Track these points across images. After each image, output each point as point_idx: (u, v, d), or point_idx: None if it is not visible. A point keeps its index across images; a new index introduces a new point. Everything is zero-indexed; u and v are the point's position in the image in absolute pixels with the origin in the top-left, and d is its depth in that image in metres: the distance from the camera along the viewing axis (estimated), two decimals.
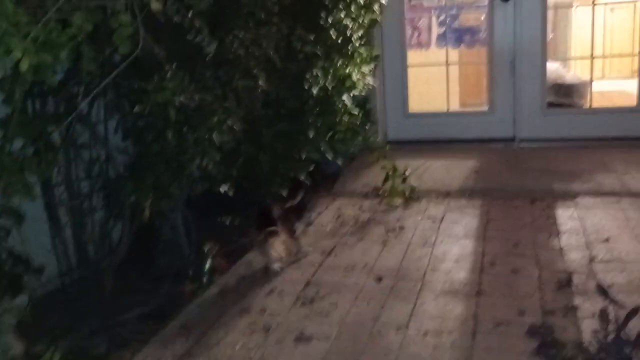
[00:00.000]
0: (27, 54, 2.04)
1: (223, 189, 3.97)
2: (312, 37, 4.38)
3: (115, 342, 3.23)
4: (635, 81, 6.79)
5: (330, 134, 5.41)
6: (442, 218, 4.87)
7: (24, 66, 2.06)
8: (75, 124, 3.28)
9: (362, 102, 6.20)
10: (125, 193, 3.24)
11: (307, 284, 3.79)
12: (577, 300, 3.32)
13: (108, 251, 3.60)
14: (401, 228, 4.69)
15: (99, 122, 3.57)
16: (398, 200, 5.35)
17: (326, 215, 5.18)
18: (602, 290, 2.67)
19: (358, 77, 5.32)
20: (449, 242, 4.36)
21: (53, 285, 3.47)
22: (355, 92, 5.43)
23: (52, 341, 2.68)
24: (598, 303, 3.18)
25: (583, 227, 4.44)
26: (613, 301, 2.57)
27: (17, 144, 2.69)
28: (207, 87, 3.31)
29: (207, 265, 4.08)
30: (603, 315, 2.66)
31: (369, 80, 5.58)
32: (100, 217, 3.58)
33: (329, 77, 5.01)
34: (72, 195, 3.29)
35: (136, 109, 2.83)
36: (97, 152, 3.58)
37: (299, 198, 4.36)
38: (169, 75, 2.87)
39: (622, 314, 2.55)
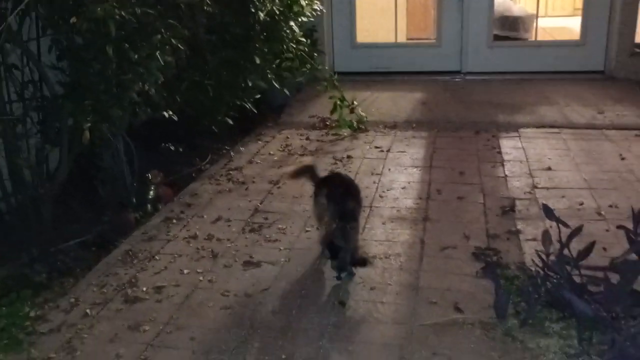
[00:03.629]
0: None
1: (166, 114, 3.81)
2: None
3: (57, 270, 3.12)
4: (577, 18, 6.89)
5: (277, 61, 5.28)
6: (389, 148, 4.88)
7: None
8: (4, 42, 3.04)
9: (310, 32, 6.07)
10: (63, 115, 3.06)
11: (255, 211, 3.75)
12: (520, 225, 3.42)
13: (46, 178, 3.43)
14: (349, 158, 4.68)
15: (30, 40, 3.33)
16: (345, 131, 5.33)
17: (273, 145, 5.10)
18: (548, 210, 2.73)
19: (306, 2, 5.16)
20: (396, 171, 4.39)
21: None
22: (304, 19, 5.28)
23: None
24: (540, 227, 3.28)
25: (526, 156, 4.54)
26: (558, 220, 2.64)
27: None
28: (148, 3, 3.11)
29: (151, 194, 3.97)
30: (545, 236, 2.73)
31: (317, 6, 5.43)
32: (36, 142, 3.39)
33: (276, 0, 4.84)
34: (4, 117, 3.08)
35: (72, 20, 2.63)
36: (30, 72, 3.35)
37: None
38: None
39: (563, 236, 2.62)
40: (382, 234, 3.38)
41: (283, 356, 2.36)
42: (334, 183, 3.13)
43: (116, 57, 2.94)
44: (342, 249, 2.81)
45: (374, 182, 4.14)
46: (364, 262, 2.93)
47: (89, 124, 2.99)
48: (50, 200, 3.30)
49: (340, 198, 2.93)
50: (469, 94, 6.24)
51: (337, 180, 3.23)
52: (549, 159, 4.46)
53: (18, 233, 3.28)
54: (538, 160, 4.43)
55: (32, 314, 2.62)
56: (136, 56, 2.97)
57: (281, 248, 3.25)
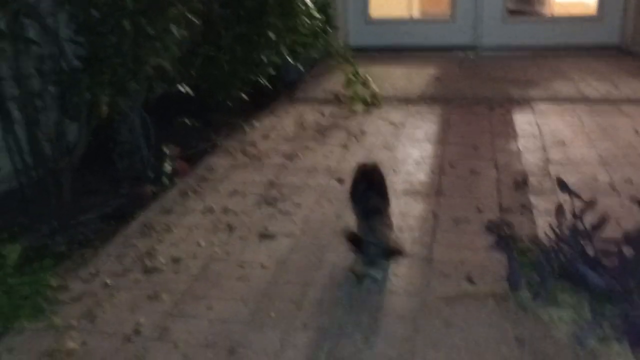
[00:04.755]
0: None
1: (182, 89, 3.84)
2: None
3: (77, 241, 3.18)
4: None
5: (291, 37, 5.28)
6: (403, 123, 4.89)
7: None
8: (21, 16, 3.07)
9: (324, 7, 6.04)
10: (81, 89, 3.09)
11: (270, 185, 3.78)
12: (533, 199, 3.43)
13: (65, 151, 3.48)
14: (363, 133, 4.70)
15: (48, 15, 3.35)
16: (359, 107, 5.34)
17: (287, 120, 5.13)
18: (562, 183, 2.74)
19: None
20: (409, 145, 4.40)
21: (8, 185, 3.36)
22: None
23: (11, 239, 2.61)
24: (553, 201, 3.28)
25: (540, 131, 4.53)
26: (573, 193, 2.65)
27: None
28: None
29: (168, 168, 4.02)
30: (559, 209, 2.74)
31: None
32: (54, 116, 3.43)
33: None
34: (22, 91, 3.12)
35: None
36: (48, 47, 3.37)
37: None
38: None
39: (577, 210, 2.64)
40: (396, 207, 3.38)
41: (299, 326, 2.40)
42: (357, 176, 2.83)
43: (133, 31, 2.96)
44: (370, 243, 2.62)
45: (388, 157, 4.15)
46: (398, 251, 2.75)
47: (106, 98, 3.03)
48: (70, 174, 3.35)
49: (362, 193, 2.75)
50: (482, 70, 6.21)
51: (361, 172, 2.85)
52: (563, 134, 4.45)
53: (38, 205, 3.34)
54: (552, 135, 4.42)
55: (53, 283, 2.67)
56: (152, 30, 2.99)
57: (296, 221, 3.28)
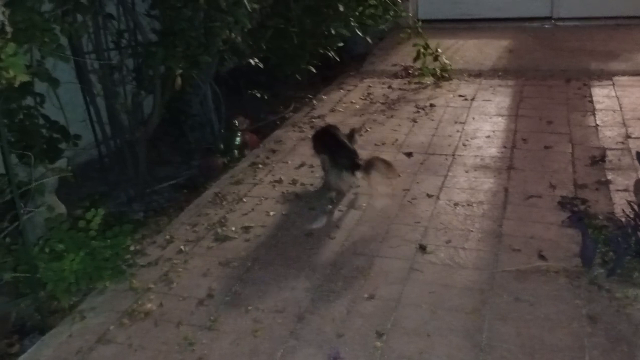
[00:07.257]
0: None
1: (252, 61, 3.90)
2: None
3: (152, 209, 3.33)
4: None
5: (360, 9, 5.24)
6: (474, 97, 4.78)
7: None
8: None
9: None
10: (156, 62, 3.19)
11: None
12: (610, 175, 3.31)
13: (140, 122, 3.62)
14: (432, 106, 4.63)
15: None
16: (429, 79, 5.26)
17: (355, 94, 5.11)
18: None
19: None
20: (480, 119, 4.31)
21: (89, 155, 3.53)
22: None
23: (92, 206, 2.74)
24: (632, 178, 3.16)
25: (619, 105, 4.33)
26: None
27: (47, 6, 2.64)
28: None
29: (238, 140, 4.11)
30: (638, 185, 2.64)
31: None
32: (131, 88, 3.57)
33: None
34: (102, 64, 3.26)
35: None
36: (125, 21, 3.49)
37: None
38: None
39: None
40: (465, 182, 3.36)
41: (365, 295, 2.43)
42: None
43: (205, 4, 3.02)
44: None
45: (458, 131, 4.09)
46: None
47: (180, 70, 3.11)
48: (145, 144, 3.48)
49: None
50: (559, 41, 5.97)
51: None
52: None
53: (116, 174, 3.50)
54: (633, 110, 4.22)
55: (131, 248, 2.81)
56: (224, 3, 3.04)
57: (363, 194, 3.29)
